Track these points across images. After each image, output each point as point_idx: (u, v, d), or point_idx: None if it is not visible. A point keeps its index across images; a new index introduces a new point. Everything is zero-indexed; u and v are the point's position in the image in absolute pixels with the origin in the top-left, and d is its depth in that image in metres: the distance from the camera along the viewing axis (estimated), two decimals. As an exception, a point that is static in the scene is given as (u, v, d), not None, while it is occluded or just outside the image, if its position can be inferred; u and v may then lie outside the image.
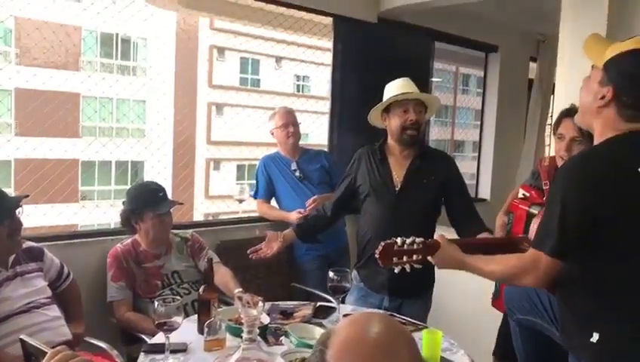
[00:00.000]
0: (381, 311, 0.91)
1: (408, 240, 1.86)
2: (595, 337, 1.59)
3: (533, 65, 5.68)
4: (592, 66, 1.70)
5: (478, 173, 5.49)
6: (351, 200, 2.82)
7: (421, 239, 1.88)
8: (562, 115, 2.39)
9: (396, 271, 1.89)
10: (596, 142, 1.68)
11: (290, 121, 3.46)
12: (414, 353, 0.88)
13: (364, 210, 2.75)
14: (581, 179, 1.58)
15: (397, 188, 2.66)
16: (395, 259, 1.86)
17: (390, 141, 2.72)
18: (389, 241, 1.86)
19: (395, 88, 2.67)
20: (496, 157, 5.37)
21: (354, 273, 2.78)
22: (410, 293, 2.69)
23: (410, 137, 2.63)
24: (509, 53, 5.30)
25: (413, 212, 2.61)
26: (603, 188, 1.54)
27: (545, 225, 1.64)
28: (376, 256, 1.87)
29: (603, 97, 1.61)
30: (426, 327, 2.28)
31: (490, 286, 2.59)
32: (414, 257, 1.86)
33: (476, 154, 5.67)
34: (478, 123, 5.56)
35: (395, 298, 2.68)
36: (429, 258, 1.91)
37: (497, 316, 2.66)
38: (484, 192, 5.41)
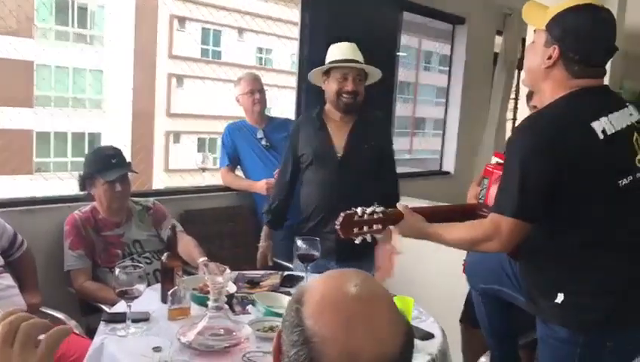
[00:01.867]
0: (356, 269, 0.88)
1: (368, 210, 1.80)
2: (560, 298, 1.63)
3: (498, 39, 5.68)
4: (535, 31, 1.73)
5: (442, 146, 5.50)
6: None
7: (381, 208, 1.82)
8: None
9: (357, 241, 1.82)
10: (547, 102, 1.69)
11: (256, 88, 3.36)
12: (394, 308, 0.84)
13: (307, 178, 2.73)
14: (537, 140, 1.60)
15: (339, 155, 2.65)
16: (355, 230, 1.79)
17: (328, 106, 2.70)
18: (349, 212, 1.79)
19: (339, 52, 2.64)
20: (461, 130, 5.38)
21: (297, 241, 2.71)
22: (358, 255, 2.57)
23: (345, 104, 2.63)
24: (476, 25, 5.28)
25: (356, 177, 2.61)
26: (559, 147, 1.56)
27: (504, 189, 1.66)
28: (337, 227, 1.79)
29: (550, 57, 1.65)
30: (395, 295, 2.25)
31: (457, 252, 2.60)
32: (375, 227, 1.80)
33: (437, 131, 5.68)
34: (439, 100, 5.55)
35: (343, 261, 2.62)
36: (391, 227, 1.86)
37: (465, 282, 2.67)
38: (449, 166, 5.43)
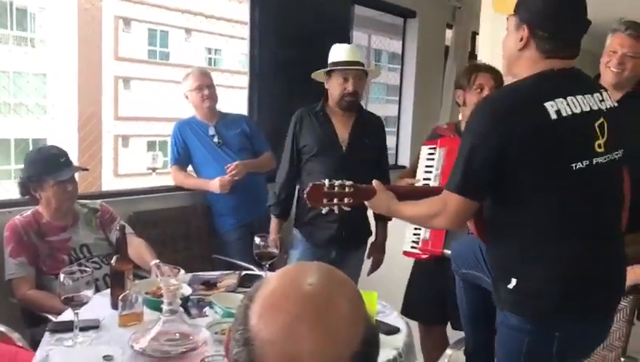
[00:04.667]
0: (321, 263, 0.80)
1: (337, 183, 1.82)
2: (513, 283, 1.61)
3: (448, 33, 5.71)
4: (507, 18, 1.71)
5: (397, 140, 5.50)
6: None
7: (351, 182, 1.84)
8: (472, 69, 2.54)
9: (324, 211, 1.86)
10: None
11: (205, 83, 3.22)
12: (355, 307, 0.76)
13: (310, 170, 2.77)
14: (489, 115, 1.60)
15: (344, 148, 2.76)
16: (325, 200, 1.82)
17: (331, 103, 2.81)
18: (317, 183, 1.83)
19: (340, 54, 2.76)
20: (415, 123, 5.39)
21: (295, 231, 2.86)
22: (358, 243, 2.88)
23: (347, 103, 2.75)
24: (427, 19, 5.29)
25: (359, 170, 2.60)
26: (507, 123, 1.54)
27: (454, 166, 1.65)
28: (304, 195, 1.84)
29: (521, 39, 1.63)
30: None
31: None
32: (346, 200, 1.83)
33: (388, 129, 5.70)
34: (390, 98, 5.57)
35: (344, 249, 2.79)
36: (366, 203, 1.91)
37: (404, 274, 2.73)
38: (404, 160, 5.43)
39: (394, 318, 2.02)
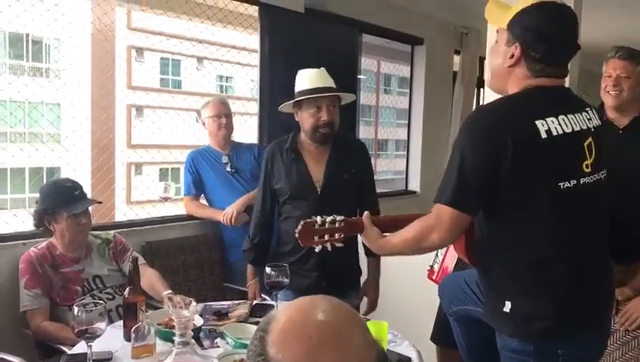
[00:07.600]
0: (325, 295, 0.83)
1: (329, 219, 1.78)
2: (508, 306, 1.61)
3: (456, 59, 5.76)
4: (497, 30, 1.71)
5: (407, 166, 5.52)
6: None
7: (342, 217, 1.80)
8: None
9: (317, 249, 1.81)
10: None
11: (223, 112, 3.28)
12: (366, 335, 0.80)
13: (285, 212, 2.58)
14: (481, 126, 1.60)
15: (319, 190, 2.51)
16: (316, 238, 1.78)
17: (303, 136, 2.57)
18: (308, 221, 1.78)
19: (308, 81, 2.50)
20: (424, 149, 5.42)
21: None
22: (344, 290, 2.54)
23: (323, 135, 2.49)
24: (434, 45, 5.35)
25: (338, 210, 2.42)
26: (497, 139, 1.54)
27: (445, 178, 1.63)
28: (296, 235, 1.78)
29: (512, 56, 1.64)
30: (368, 320, 2.20)
31: (422, 266, 2.59)
32: (337, 236, 1.79)
33: (399, 152, 5.73)
34: (400, 122, 5.59)
35: (330, 292, 2.54)
36: (361, 237, 1.86)
37: (434, 298, 2.64)
38: (414, 185, 5.44)
39: (405, 348, 2.02)
